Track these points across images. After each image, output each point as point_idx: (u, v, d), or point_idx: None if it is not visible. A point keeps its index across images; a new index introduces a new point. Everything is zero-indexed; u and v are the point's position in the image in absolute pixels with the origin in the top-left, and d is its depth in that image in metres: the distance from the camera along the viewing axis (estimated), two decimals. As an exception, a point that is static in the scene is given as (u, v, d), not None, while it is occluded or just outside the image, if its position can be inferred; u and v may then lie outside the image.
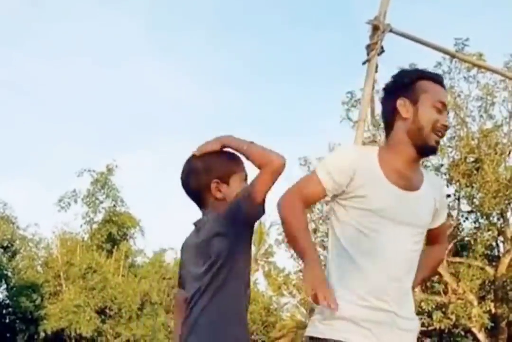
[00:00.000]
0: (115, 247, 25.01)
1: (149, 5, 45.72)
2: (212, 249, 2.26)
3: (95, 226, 26.13)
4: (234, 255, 2.27)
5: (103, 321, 22.62)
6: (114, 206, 26.15)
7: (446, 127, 2.39)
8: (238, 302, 2.28)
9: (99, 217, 26.26)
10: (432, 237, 2.59)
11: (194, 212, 2.44)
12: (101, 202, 26.08)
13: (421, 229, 2.39)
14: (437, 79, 2.46)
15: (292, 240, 2.31)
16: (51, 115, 43.94)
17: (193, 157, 2.41)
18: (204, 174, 2.36)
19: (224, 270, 2.25)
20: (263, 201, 2.25)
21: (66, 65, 43.13)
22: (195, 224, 2.41)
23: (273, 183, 2.25)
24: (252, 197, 2.21)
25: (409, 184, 2.36)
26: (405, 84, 2.41)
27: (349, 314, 2.20)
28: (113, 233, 25.33)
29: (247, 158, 2.31)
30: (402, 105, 2.39)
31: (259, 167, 2.24)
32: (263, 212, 2.28)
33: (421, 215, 2.38)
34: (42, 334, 22.29)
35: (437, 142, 2.38)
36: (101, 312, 22.58)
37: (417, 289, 16.22)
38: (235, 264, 2.28)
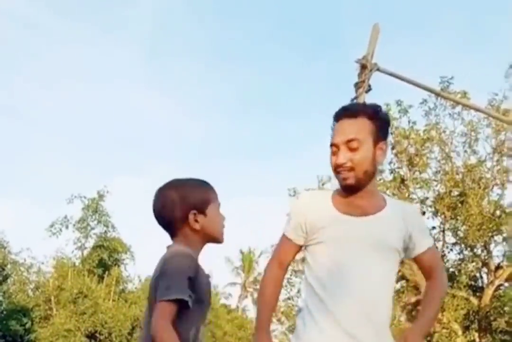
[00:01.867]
0: (106, 272, 25.09)
1: (148, 35, 46.43)
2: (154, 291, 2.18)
3: (86, 252, 26.21)
4: None
5: (93, 346, 22.63)
6: (105, 231, 26.24)
7: (338, 166, 2.42)
8: None
9: (91, 243, 26.32)
10: (423, 268, 2.58)
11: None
12: (92, 228, 26.18)
13: (387, 251, 2.40)
14: (337, 116, 2.51)
15: (257, 312, 2.61)
16: (44, 139, 44.23)
17: (167, 186, 2.32)
18: (180, 204, 2.26)
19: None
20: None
21: (61, 90, 43.62)
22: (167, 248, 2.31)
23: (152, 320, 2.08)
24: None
25: (363, 211, 2.43)
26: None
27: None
28: (104, 258, 25.38)
29: None
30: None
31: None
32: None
33: (383, 237, 2.40)
34: (32, 358, 22.27)
35: (343, 179, 2.42)
36: (91, 336, 22.53)
37: (403, 318, 16.47)
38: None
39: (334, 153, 2.46)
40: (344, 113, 2.48)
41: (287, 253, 2.60)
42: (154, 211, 2.32)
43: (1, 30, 38.87)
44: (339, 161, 2.42)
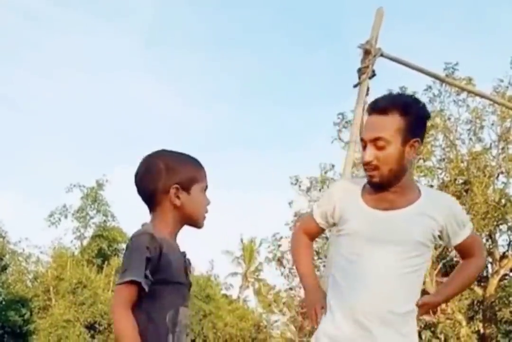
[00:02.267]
0: (106, 262, 24.98)
1: (148, 25, 46.19)
2: None
3: (85, 241, 26.12)
4: None
5: (92, 336, 22.50)
6: (105, 221, 26.17)
7: (364, 163, 2.41)
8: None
9: (90, 232, 26.26)
10: (460, 253, 2.60)
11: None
12: (92, 217, 26.10)
13: (410, 245, 2.38)
14: (370, 109, 2.46)
15: (295, 267, 2.71)
16: (43, 129, 44.13)
17: (155, 155, 2.21)
18: (165, 176, 2.13)
19: None
20: None
21: (60, 79, 43.44)
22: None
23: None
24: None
25: (392, 205, 2.42)
26: None
27: (331, 334, 2.41)
28: (104, 248, 25.33)
29: None
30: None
31: None
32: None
33: (406, 231, 2.39)
34: (31, 349, 22.21)
35: (369, 176, 2.42)
36: (90, 327, 22.47)
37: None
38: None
39: (363, 148, 2.43)
40: (375, 107, 2.43)
41: (312, 230, 2.67)
42: (136, 177, 2.19)
43: (1, 20, 38.50)
44: (365, 159, 2.40)
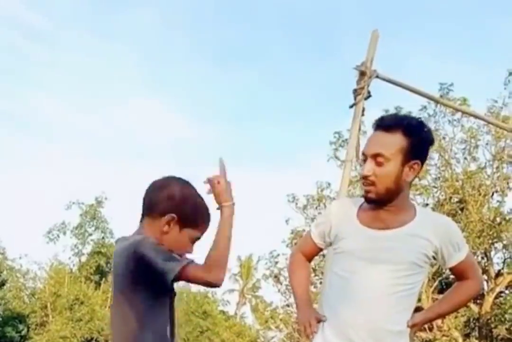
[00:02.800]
0: (103, 279, 25.01)
1: (147, 38, 46.52)
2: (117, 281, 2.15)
3: (83, 258, 26.12)
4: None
5: (89, 353, 22.52)
6: (103, 237, 26.20)
7: (362, 177, 2.42)
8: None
9: (88, 249, 26.26)
10: (455, 275, 2.57)
11: None
12: (90, 234, 26.12)
13: (403, 265, 2.37)
14: (375, 125, 2.46)
15: (291, 287, 2.73)
16: (41, 145, 44.17)
17: (181, 183, 2.25)
18: (172, 203, 2.19)
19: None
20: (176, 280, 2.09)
21: (61, 95, 43.64)
22: (117, 241, 2.26)
23: (199, 283, 2.13)
24: (170, 275, 2.04)
25: (385, 225, 2.41)
26: None
27: None
28: (102, 265, 25.34)
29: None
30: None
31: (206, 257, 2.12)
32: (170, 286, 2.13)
33: (399, 251, 2.38)
34: (28, 365, 22.15)
35: (365, 192, 2.41)
36: (87, 343, 22.49)
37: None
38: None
39: (363, 162, 2.44)
40: (381, 124, 2.43)
41: (310, 251, 2.69)
42: (150, 189, 2.25)
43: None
44: (363, 173, 2.41)
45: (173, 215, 2.17)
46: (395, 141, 2.36)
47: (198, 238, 2.26)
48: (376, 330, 2.34)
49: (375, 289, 2.36)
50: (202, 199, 2.27)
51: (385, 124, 2.40)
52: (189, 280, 2.11)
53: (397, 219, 2.43)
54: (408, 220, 2.43)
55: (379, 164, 2.36)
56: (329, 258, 2.68)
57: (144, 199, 2.25)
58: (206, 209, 2.27)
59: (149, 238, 2.13)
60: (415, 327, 2.44)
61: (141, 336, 2.07)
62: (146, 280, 2.06)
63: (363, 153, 2.43)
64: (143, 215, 2.24)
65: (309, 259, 2.71)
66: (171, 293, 2.20)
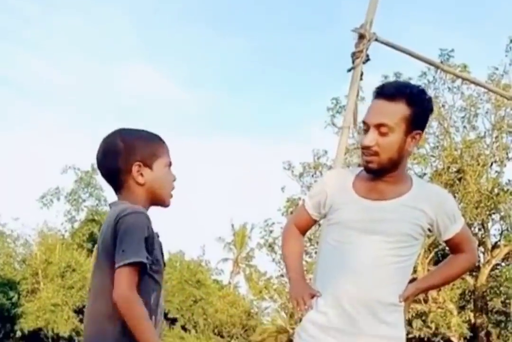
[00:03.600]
0: (96, 246, 24.90)
1: (141, 6, 45.82)
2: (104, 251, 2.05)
3: (76, 225, 26.03)
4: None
5: (81, 320, 22.42)
6: (97, 205, 26.08)
7: (363, 147, 2.35)
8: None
9: (81, 216, 26.17)
10: (450, 248, 2.55)
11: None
12: (84, 201, 26.00)
13: (398, 236, 2.35)
14: (376, 93, 2.39)
15: (283, 260, 2.70)
16: (38, 109, 43.87)
17: (113, 135, 2.17)
18: (125, 154, 2.11)
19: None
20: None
21: (57, 60, 43.17)
22: (110, 205, 2.18)
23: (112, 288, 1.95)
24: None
25: (382, 196, 2.39)
26: None
27: (315, 321, 2.38)
28: (95, 233, 25.21)
29: None
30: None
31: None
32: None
33: (395, 223, 2.35)
34: (19, 333, 22.10)
35: (366, 161, 2.36)
36: (79, 311, 22.41)
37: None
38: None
39: (364, 132, 2.36)
40: (382, 92, 2.35)
41: (304, 222, 2.62)
42: (97, 159, 2.18)
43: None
44: (365, 143, 2.33)
45: (135, 163, 2.10)
46: (399, 111, 2.30)
47: (170, 162, 2.20)
48: (368, 300, 2.32)
49: (367, 259, 2.34)
50: (136, 130, 2.20)
51: (388, 92, 2.33)
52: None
53: (394, 190, 2.40)
54: (404, 191, 2.40)
55: (382, 134, 2.30)
56: (323, 228, 2.59)
57: (101, 170, 2.19)
58: (149, 134, 2.19)
59: (140, 214, 2.01)
60: (407, 300, 2.41)
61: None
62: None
63: (364, 122, 2.35)
64: (115, 187, 2.17)
65: (304, 231, 2.67)
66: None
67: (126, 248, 1.93)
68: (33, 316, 21.68)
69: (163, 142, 2.20)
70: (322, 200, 2.49)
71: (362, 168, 2.47)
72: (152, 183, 2.12)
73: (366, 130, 2.35)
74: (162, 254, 2.13)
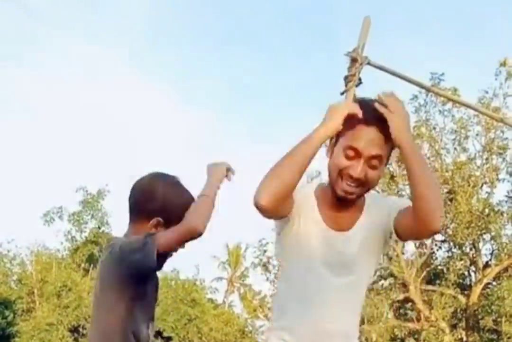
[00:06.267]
0: (92, 265, 24.91)
1: (143, 21, 46.20)
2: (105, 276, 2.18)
3: (75, 245, 25.97)
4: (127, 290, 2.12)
5: (76, 340, 22.39)
6: (99, 227, 26.04)
7: (350, 177, 2.09)
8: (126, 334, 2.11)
9: (82, 236, 26.11)
10: (406, 221, 2.11)
11: None
12: (86, 222, 25.97)
13: (359, 266, 2.21)
14: (364, 118, 2.10)
15: (297, 148, 2.12)
16: (39, 132, 43.97)
17: (162, 180, 2.23)
18: (155, 204, 2.17)
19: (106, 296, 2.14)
20: (163, 254, 2.11)
21: (60, 78, 43.32)
22: (114, 238, 2.29)
23: (180, 244, 2.14)
24: (152, 248, 2.04)
25: (341, 224, 2.21)
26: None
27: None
28: (95, 254, 25.18)
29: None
30: (329, 143, 2.19)
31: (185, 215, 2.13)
32: (158, 265, 2.12)
33: (355, 254, 2.19)
34: (14, 352, 22.07)
35: (346, 192, 2.11)
36: (74, 330, 22.38)
37: (390, 315, 16.44)
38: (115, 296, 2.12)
39: (349, 158, 2.09)
40: (375, 117, 2.08)
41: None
42: (133, 195, 2.24)
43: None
44: (356, 175, 2.08)
45: (159, 218, 2.18)
46: (386, 140, 2.09)
47: None
48: (325, 333, 2.18)
49: (323, 294, 2.18)
50: (186, 195, 2.24)
51: (378, 118, 2.07)
52: (169, 244, 2.09)
53: (351, 214, 2.21)
54: (357, 215, 2.21)
55: (372, 167, 2.09)
56: (285, 248, 2.28)
57: (130, 200, 2.24)
58: (189, 201, 2.20)
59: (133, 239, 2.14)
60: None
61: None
62: (133, 280, 2.10)
63: (354, 148, 2.08)
64: (130, 215, 2.24)
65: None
66: (153, 280, 2.23)
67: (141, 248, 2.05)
68: (28, 335, 21.59)
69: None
70: (296, 220, 2.21)
71: (317, 185, 2.29)
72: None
73: (350, 157, 2.10)
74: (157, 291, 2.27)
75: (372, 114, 2.09)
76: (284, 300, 2.25)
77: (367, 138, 2.09)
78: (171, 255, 2.22)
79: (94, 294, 2.20)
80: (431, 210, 2.00)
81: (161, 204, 2.18)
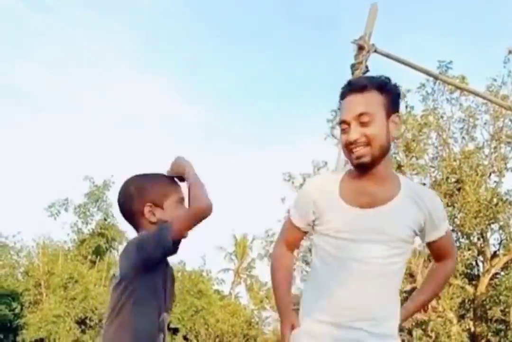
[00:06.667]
0: (98, 257, 24.92)
1: (146, 19, 46.06)
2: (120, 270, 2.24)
3: (82, 237, 25.97)
4: (137, 281, 2.19)
5: (83, 332, 22.44)
6: (105, 219, 26.03)
7: (351, 143, 2.28)
8: (136, 328, 2.17)
9: (88, 228, 26.11)
10: (433, 251, 2.50)
11: None
12: (92, 215, 25.96)
13: (393, 244, 2.31)
14: (346, 91, 2.35)
15: (273, 290, 2.56)
16: (43, 121, 43.96)
17: (127, 181, 2.37)
18: (137, 198, 2.30)
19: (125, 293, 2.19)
20: (178, 240, 2.19)
21: (69, 71, 43.40)
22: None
23: (194, 225, 2.18)
24: (166, 235, 2.13)
25: (372, 201, 2.32)
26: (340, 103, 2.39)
27: (309, 329, 2.36)
28: (101, 246, 25.22)
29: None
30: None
31: (188, 203, 2.21)
32: (174, 250, 2.19)
33: (389, 230, 2.31)
34: (21, 344, 22.12)
35: (356, 158, 2.28)
36: (81, 322, 22.40)
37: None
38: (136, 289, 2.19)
39: (344, 131, 2.31)
40: (351, 88, 2.32)
41: (294, 238, 2.56)
42: (118, 203, 2.38)
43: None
44: (351, 138, 2.26)
45: (147, 204, 2.30)
46: (374, 98, 2.28)
47: (182, 198, 2.34)
48: (366, 315, 2.30)
49: (362, 269, 2.30)
50: (146, 175, 2.38)
51: (358, 85, 2.31)
52: (186, 227, 2.17)
53: (384, 192, 2.34)
54: (394, 192, 2.35)
55: (365, 124, 2.26)
56: (314, 240, 2.46)
57: (121, 213, 2.38)
58: (157, 176, 2.37)
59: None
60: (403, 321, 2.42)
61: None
62: (141, 270, 2.18)
63: (343, 121, 2.30)
64: (135, 227, 2.35)
65: (295, 246, 2.59)
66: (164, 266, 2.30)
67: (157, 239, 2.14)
68: (35, 327, 21.63)
69: (172, 181, 2.36)
70: (309, 210, 2.43)
71: (344, 172, 2.43)
72: (163, 220, 2.26)
73: (344, 131, 2.31)
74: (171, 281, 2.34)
75: (348, 87, 2.33)
76: (320, 279, 2.38)
77: (348, 106, 2.30)
78: (185, 237, 2.26)
79: (110, 287, 2.28)
80: None
81: (138, 195, 2.30)
